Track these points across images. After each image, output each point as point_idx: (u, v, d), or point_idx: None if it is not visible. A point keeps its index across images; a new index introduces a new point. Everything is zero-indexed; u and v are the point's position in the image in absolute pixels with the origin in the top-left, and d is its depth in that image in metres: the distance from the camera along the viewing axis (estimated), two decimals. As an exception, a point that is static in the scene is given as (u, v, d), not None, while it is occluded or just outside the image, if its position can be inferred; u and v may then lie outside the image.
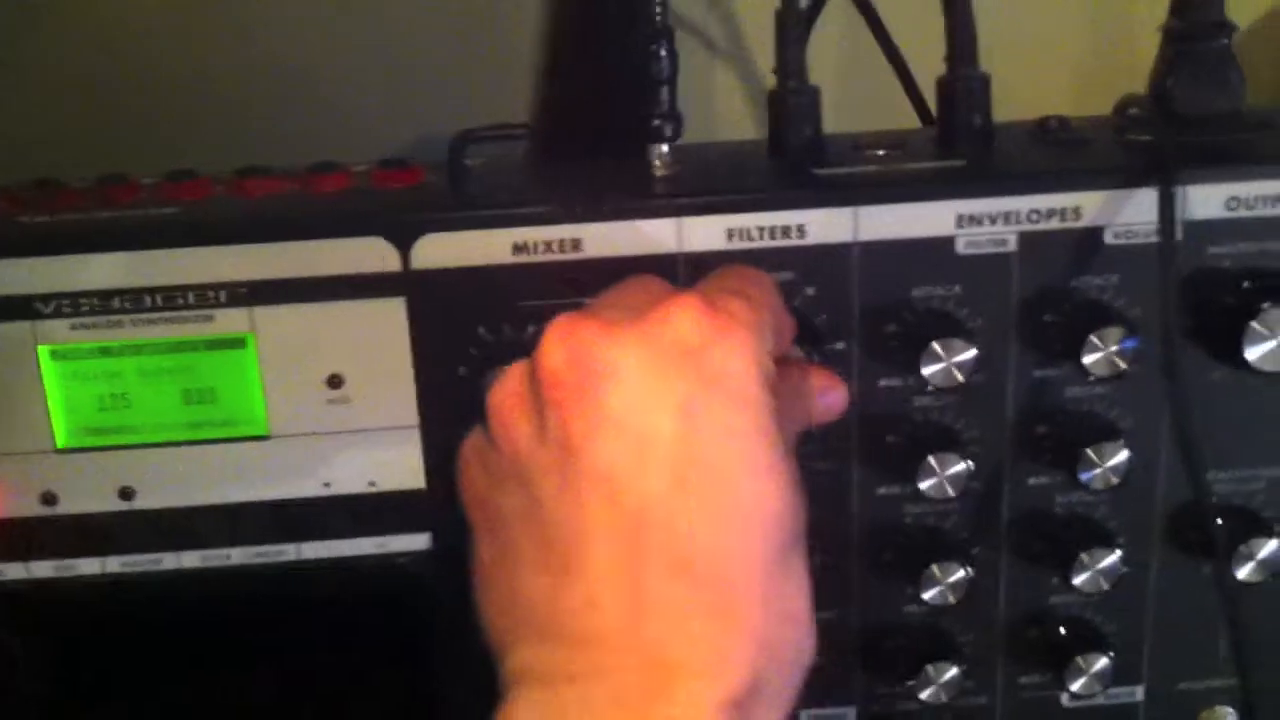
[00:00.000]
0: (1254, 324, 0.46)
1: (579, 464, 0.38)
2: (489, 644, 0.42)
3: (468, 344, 0.49)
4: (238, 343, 0.49)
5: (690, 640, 0.36)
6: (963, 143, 0.50)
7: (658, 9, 0.48)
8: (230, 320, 0.49)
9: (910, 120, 0.61)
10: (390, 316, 0.49)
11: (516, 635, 0.40)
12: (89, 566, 0.51)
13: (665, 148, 0.50)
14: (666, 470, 0.37)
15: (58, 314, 0.49)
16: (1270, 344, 0.46)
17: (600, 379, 0.38)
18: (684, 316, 0.39)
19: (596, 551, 0.38)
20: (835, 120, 0.63)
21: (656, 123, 0.49)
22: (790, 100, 0.50)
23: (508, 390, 0.41)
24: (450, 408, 0.49)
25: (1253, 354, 0.46)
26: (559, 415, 0.39)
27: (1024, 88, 0.69)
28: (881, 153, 0.50)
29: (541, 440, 0.40)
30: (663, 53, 0.48)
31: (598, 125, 0.38)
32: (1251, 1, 0.73)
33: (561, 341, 0.39)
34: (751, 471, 0.38)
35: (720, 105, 0.71)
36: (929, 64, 0.51)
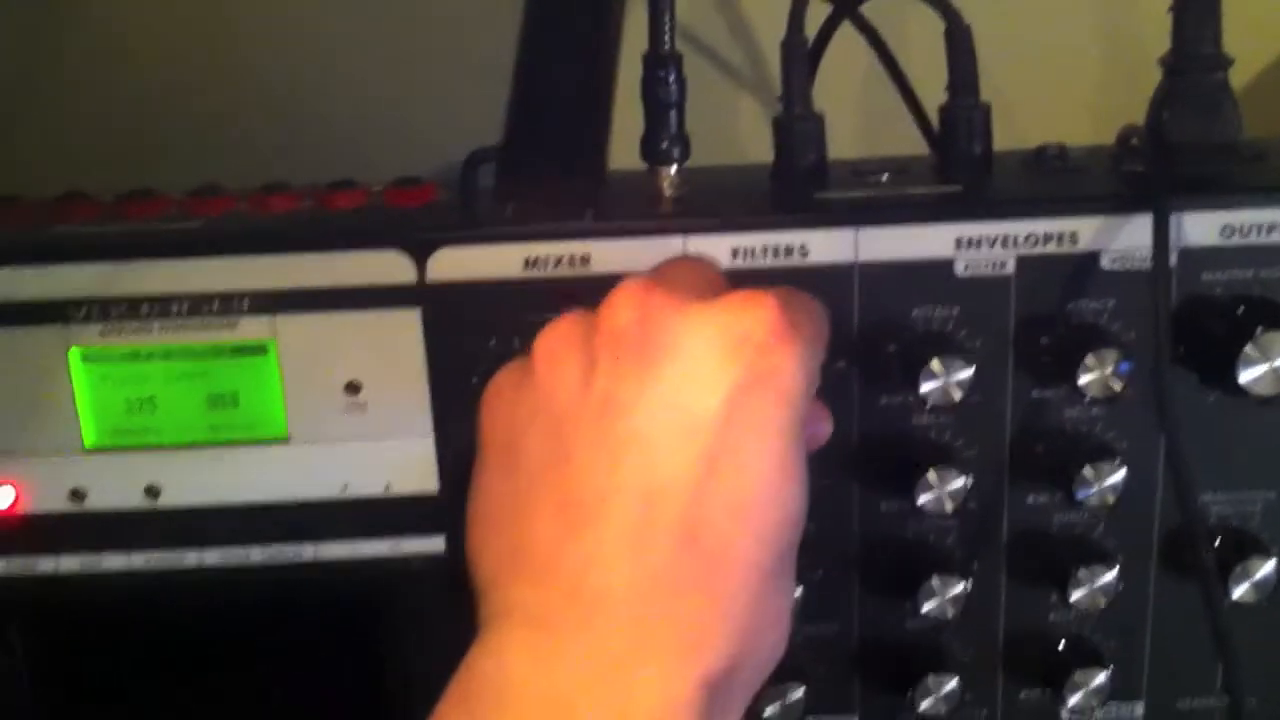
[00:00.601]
0: (1247, 349, 0.47)
1: (619, 424, 0.39)
2: (473, 572, 0.42)
3: (480, 355, 0.50)
4: (260, 349, 0.51)
5: (683, 615, 0.38)
6: (962, 169, 0.51)
7: (666, 36, 0.49)
8: (253, 327, 0.51)
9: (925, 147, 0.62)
10: (406, 326, 0.50)
11: (514, 573, 0.40)
12: (114, 562, 0.53)
13: (674, 169, 0.51)
14: (703, 451, 0.38)
15: (89, 319, 0.51)
16: (1263, 368, 0.47)
17: (663, 348, 0.40)
18: (760, 313, 0.40)
19: (615, 512, 0.38)
20: (851, 146, 0.64)
21: (665, 145, 0.51)
22: (795, 127, 0.51)
23: (560, 334, 0.42)
24: (463, 416, 0.50)
25: (1246, 378, 0.47)
26: (613, 372, 0.40)
27: (1039, 117, 0.71)
28: (884, 178, 0.52)
29: (585, 392, 0.40)
30: (670, 78, 0.50)
31: (556, 143, 0.39)
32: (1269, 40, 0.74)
33: (633, 302, 0.40)
34: (779, 472, 0.39)
35: (742, 128, 0.72)
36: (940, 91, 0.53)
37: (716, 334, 0.40)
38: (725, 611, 0.38)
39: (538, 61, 0.39)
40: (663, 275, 0.43)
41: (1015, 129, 0.56)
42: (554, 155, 0.39)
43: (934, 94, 0.53)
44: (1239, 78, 0.75)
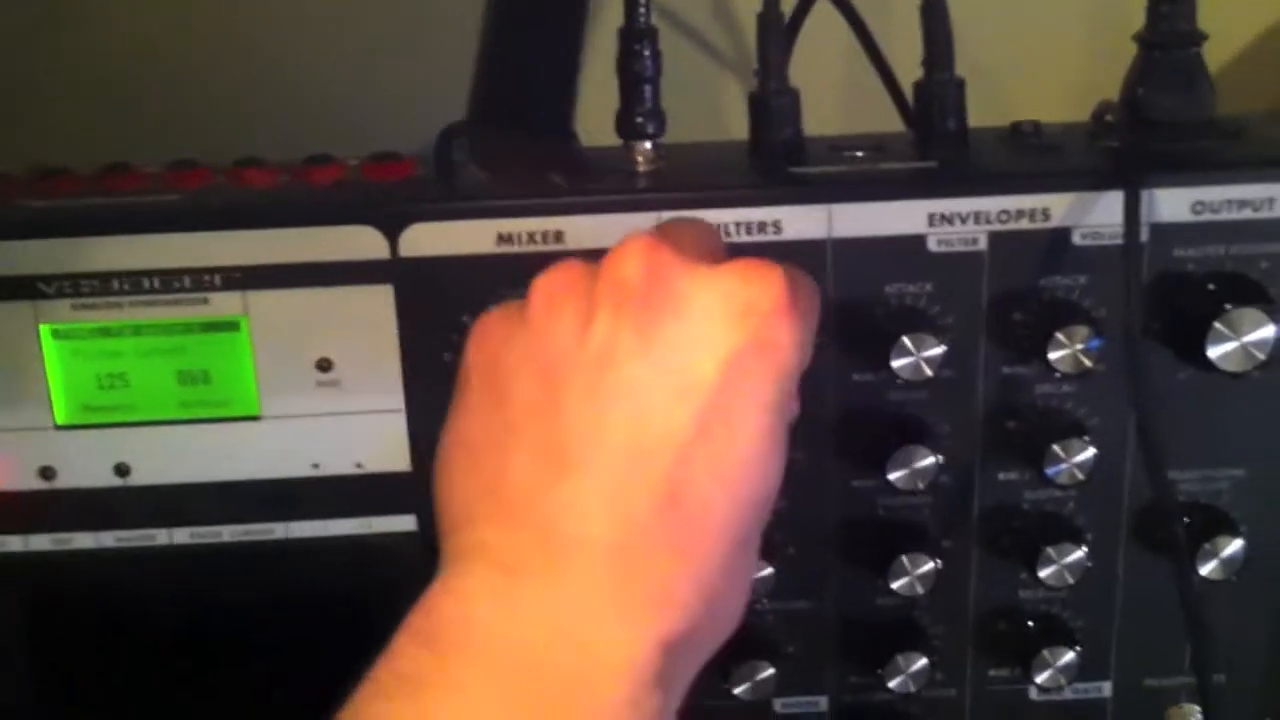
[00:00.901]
0: (1217, 324, 0.47)
1: (613, 376, 0.39)
2: (441, 509, 0.42)
3: (452, 331, 0.50)
4: (231, 325, 0.51)
5: (655, 573, 0.37)
6: (937, 145, 0.51)
7: (641, 10, 0.49)
8: (225, 303, 0.51)
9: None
10: (378, 302, 0.50)
11: (487, 513, 0.40)
12: (85, 541, 0.53)
13: (649, 144, 0.51)
14: (694, 413, 0.38)
15: (60, 294, 0.50)
16: (1233, 344, 0.47)
17: (667, 306, 0.39)
18: (767, 284, 0.40)
19: (599, 463, 0.38)
20: (836, 122, 0.64)
21: (640, 120, 0.51)
22: (771, 102, 0.51)
23: (561, 279, 0.41)
24: (435, 392, 0.50)
25: (1216, 354, 0.47)
26: (613, 323, 0.39)
27: (1022, 94, 0.71)
28: (859, 154, 0.52)
29: (581, 340, 0.40)
30: (646, 52, 0.50)
31: (523, 113, 0.39)
32: (1252, 16, 0.75)
33: (641, 256, 0.40)
34: (767, 443, 0.39)
35: (725, 106, 0.72)
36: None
37: (721, 298, 0.40)
38: (696, 575, 0.38)
39: (504, 33, 0.39)
40: (669, 234, 0.42)
41: (997, 106, 0.56)
42: (520, 125, 0.38)
43: (916, 71, 0.53)
44: (1221, 53, 0.76)
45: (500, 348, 0.42)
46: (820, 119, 0.66)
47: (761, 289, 0.40)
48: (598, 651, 0.37)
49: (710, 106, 0.69)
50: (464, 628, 0.37)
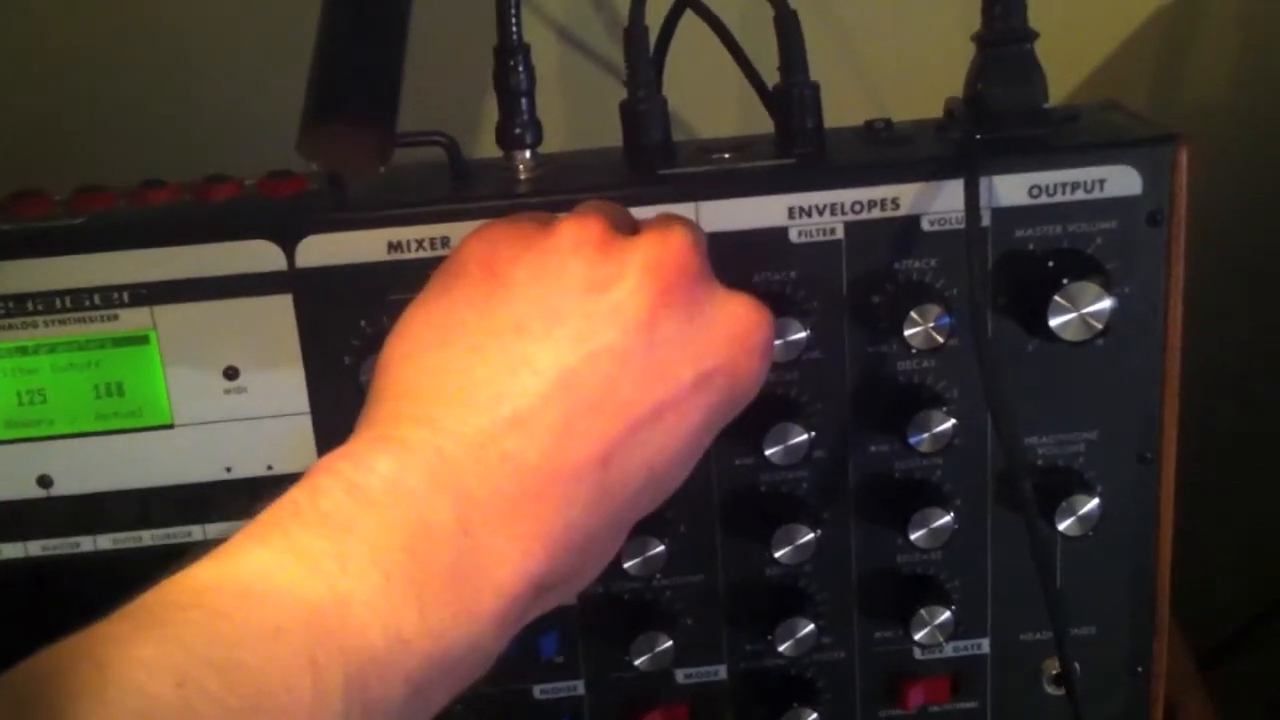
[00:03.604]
0: (1057, 298, 0.51)
1: (608, 336, 0.41)
2: (387, 371, 0.43)
3: (350, 335, 0.53)
4: (141, 339, 0.54)
5: (559, 517, 0.40)
6: (797, 143, 0.55)
7: (514, 27, 0.53)
8: (133, 318, 0.54)
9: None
10: (279, 312, 0.53)
11: (441, 394, 0.41)
12: (12, 551, 0.56)
13: (528, 153, 0.55)
14: (658, 401, 0.42)
15: (-24, 316, 0.53)
16: (1072, 315, 0.51)
17: (681, 304, 0.43)
18: (764, 324, 0.45)
19: (562, 399, 0.40)
20: (719, 126, 0.68)
21: (518, 130, 0.54)
22: (640, 109, 0.55)
23: (595, 233, 0.43)
24: (337, 394, 0.54)
25: (1057, 324, 0.51)
26: (635, 291, 0.42)
27: (898, 93, 0.75)
28: (725, 155, 0.55)
29: (596, 288, 0.42)
30: (520, 68, 0.53)
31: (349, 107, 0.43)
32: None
33: (688, 252, 0.43)
34: (695, 454, 0.44)
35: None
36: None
37: (726, 319, 0.44)
38: (588, 534, 0.41)
39: (330, 34, 0.42)
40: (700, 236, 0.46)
41: (876, 106, 0.60)
42: (347, 115, 0.42)
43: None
44: (1104, 44, 0.80)
45: (508, 256, 0.43)
46: (712, 122, 0.70)
47: (759, 324, 0.45)
48: (491, 562, 0.39)
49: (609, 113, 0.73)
50: (393, 492, 0.38)
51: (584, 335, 0.41)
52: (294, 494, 0.39)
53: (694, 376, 0.43)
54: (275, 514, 0.38)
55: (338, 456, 0.40)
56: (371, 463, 0.39)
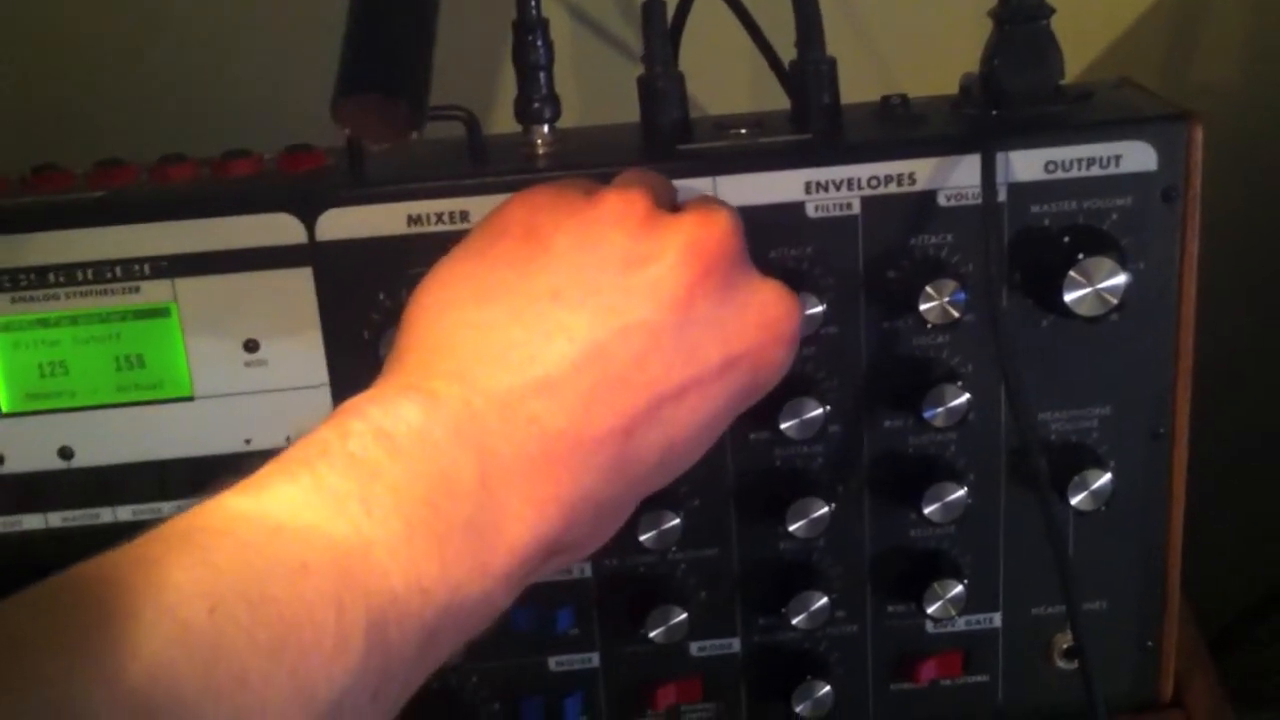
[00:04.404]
0: (1072, 273, 0.51)
1: (642, 310, 0.42)
2: (418, 321, 0.43)
3: (369, 309, 0.54)
4: (162, 311, 0.54)
5: (577, 483, 0.41)
6: (813, 119, 0.55)
7: (532, 2, 0.53)
8: (155, 291, 0.54)
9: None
10: (299, 285, 0.54)
11: (476, 352, 0.41)
12: (33, 522, 0.57)
13: (546, 128, 0.55)
14: (684, 380, 0.42)
15: (0, 289, 0.54)
16: (1087, 290, 0.51)
17: (716, 290, 0.43)
18: (795, 314, 0.46)
19: (592, 374, 0.41)
20: (735, 102, 0.68)
21: (536, 105, 0.54)
22: (658, 85, 0.55)
23: (639, 209, 0.43)
24: (356, 367, 0.54)
25: (1072, 299, 0.52)
26: (675, 268, 0.42)
27: (911, 69, 0.75)
28: (742, 130, 0.56)
29: (636, 263, 0.42)
30: (539, 43, 0.53)
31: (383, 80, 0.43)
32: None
33: (731, 239, 0.44)
34: (711, 437, 0.45)
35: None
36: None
37: (759, 308, 0.45)
38: (601, 504, 0.42)
39: (363, 10, 0.43)
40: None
41: (888, 82, 0.60)
42: (380, 85, 0.42)
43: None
44: (1116, 23, 0.80)
45: (551, 223, 0.44)
46: (727, 99, 0.70)
47: (789, 313, 0.45)
48: (509, 520, 0.39)
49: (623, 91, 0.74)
50: (420, 442, 0.39)
51: (620, 308, 0.42)
52: (323, 433, 0.39)
53: (722, 359, 0.43)
54: (304, 451, 0.38)
55: (366, 400, 0.40)
56: (400, 411, 0.39)
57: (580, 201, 0.44)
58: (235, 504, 0.37)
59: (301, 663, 0.34)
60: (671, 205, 0.46)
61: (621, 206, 0.44)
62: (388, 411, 0.39)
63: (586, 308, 0.42)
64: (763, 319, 0.45)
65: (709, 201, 0.46)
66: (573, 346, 0.41)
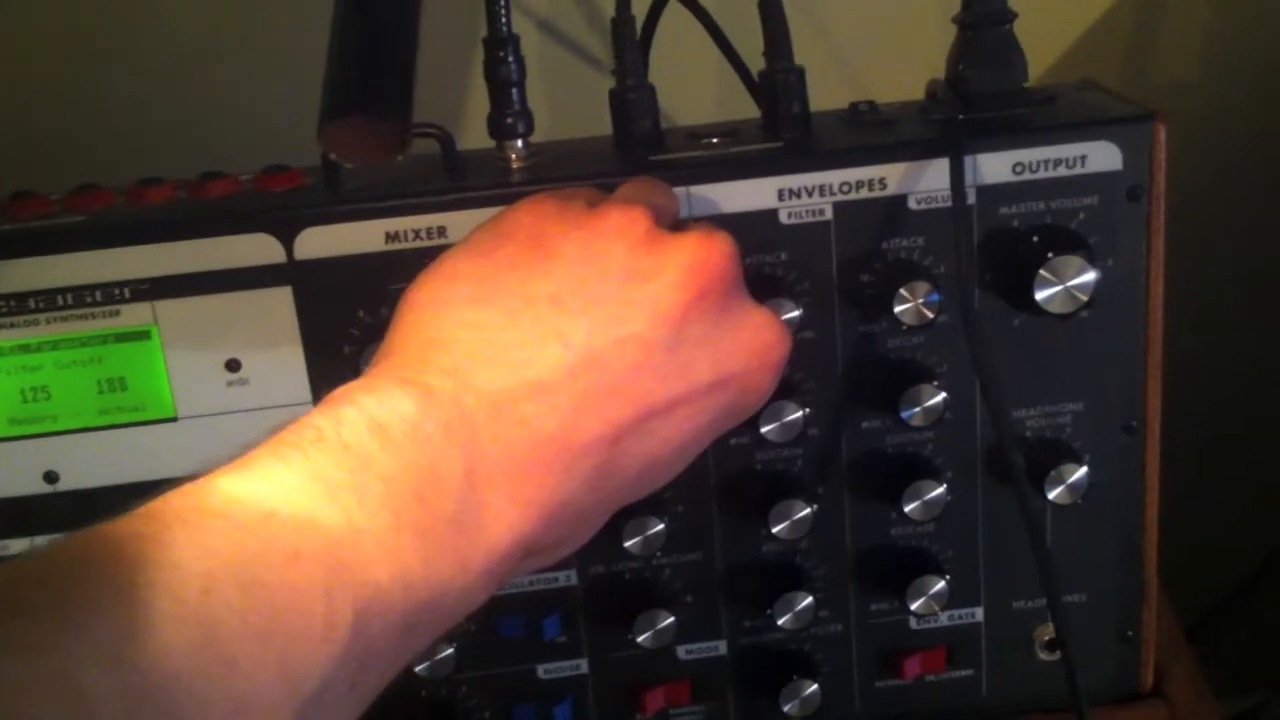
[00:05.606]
0: (1042, 271, 0.52)
1: (637, 324, 0.43)
2: (413, 312, 0.44)
3: (349, 326, 0.54)
4: (143, 334, 0.55)
5: (559, 487, 0.41)
6: (783, 128, 0.56)
7: (503, 19, 0.54)
8: (135, 314, 0.54)
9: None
10: (279, 304, 0.54)
11: (472, 350, 0.42)
12: (19, 546, 0.57)
13: (519, 142, 0.56)
14: (674, 396, 0.43)
15: (-21, 316, 0.54)
16: (1056, 288, 0.52)
17: (710, 313, 0.44)
18: (785, 342, 0.47)
19: (584, 382, 0.42)
20: (705, 113, 0.69)
21: (510, 120, 0.55)
22: (630, 97, 0.56)
23: (641, 227, 0.44)
24: (338, 383, 0.54)
25: (1042, 298, 0.52)
26: (674, 288, 0.43)
27: (878, 77, 0.76)
28: (714, 140, 0.56)
29: (632, 279, 0.43)
30: (510, 59, 0.54)
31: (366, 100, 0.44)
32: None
33: (729, 262, 0.45)
34: (691, 455, 0.46)
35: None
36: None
37: (753, 331, 0.46)
38: (581, 510, 0.43)
39: (344, 28, 0.43)
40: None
41: (861, 90, 0.61)
42: (364, 108, 0.42)
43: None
44: (1076, 24, 0.82)
45: (556, 232, 0.44)
46: (696, 110, 0.71)
47: (779, 341, 0.47)
48: (485, 517, 0.40)
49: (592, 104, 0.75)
50: (412, 435, 0.39)
51: (617, 320, 0.43)
52: (315, 419, 0.39)
53: (712, 378, 0.44)
54: (296, 435, 0.38)
55: (359, 389, 0.40)
56: (394, 403, 0.39)
57: (585, 213, 0.45)
58: (229, 485, 0.37)
59: (289, 649, 0.34)
60: (674, 220, 0.47)
61: (625, 221, 0.44)
62: (382, 402, 0.39)
63: (586, 316, 0.42)
64: (754, 344, 0.46)
65: (711, 227, 0.47)
66: (569, 353, 0.42)
